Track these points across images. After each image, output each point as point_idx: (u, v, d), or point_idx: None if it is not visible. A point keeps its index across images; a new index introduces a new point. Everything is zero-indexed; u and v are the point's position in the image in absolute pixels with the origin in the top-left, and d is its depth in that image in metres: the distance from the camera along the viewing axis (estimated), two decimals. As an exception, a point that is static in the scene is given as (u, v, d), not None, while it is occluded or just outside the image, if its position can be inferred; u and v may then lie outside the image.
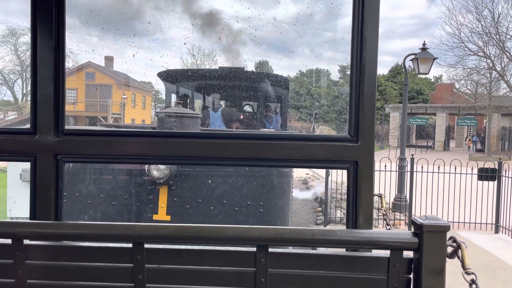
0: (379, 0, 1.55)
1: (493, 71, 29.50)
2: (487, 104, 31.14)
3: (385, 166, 9.41)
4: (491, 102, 30.90)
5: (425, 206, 9.64)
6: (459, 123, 38.57)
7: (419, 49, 11.26)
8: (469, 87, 35.10)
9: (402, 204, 10.46)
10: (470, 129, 46.66)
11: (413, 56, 11.32)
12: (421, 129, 41.41)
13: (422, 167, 9.42)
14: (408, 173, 9.92)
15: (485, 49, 29.01)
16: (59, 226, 1.47)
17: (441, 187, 9.44)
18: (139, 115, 44.54)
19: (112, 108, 38.34)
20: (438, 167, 9.41)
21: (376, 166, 8.94)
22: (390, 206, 10.78)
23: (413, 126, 40.88)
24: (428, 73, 11.39)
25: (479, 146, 37.77)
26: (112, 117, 37.56)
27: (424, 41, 11.56)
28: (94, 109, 39.64)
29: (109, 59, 44.31)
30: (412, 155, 9.87)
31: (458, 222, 9.41)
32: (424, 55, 11.09)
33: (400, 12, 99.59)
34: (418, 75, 11.34)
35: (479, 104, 33.01)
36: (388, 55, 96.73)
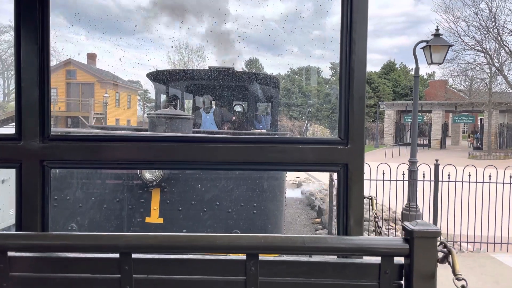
0: (367, 2, 1.60)
1: (492, 66, 29.84)
2: (487, 100, 31.20)
3: (403, 174, 8.31)
4: (491, 98, 31.05)
5: (453, 221, 8.09)
6: (456, 120, 38.89)
7: (432, 35, 9.98)
8: (464, 84, 35.49)
9: (413, 215, 9.18)
10: (465, 126, 47.18)
11: (424, 44, 9.93)
12: (416, 126, 41.81)
13: (449, 174, 8.00)
14: (421, 178, 8.49)
15: (482, 44, 29.41)
16: (44, 238, 1.49)
17: (466, 197, 7.95)
18: (124, 115, 44.23)
19: (95, 108, 38.07)
20: (469, 175, 7.81)
21: (390, 174, 7.89)
22: (400, 217, 9.85)
23: (408, 124, 41.32)
24: (442, 63, 10.18)
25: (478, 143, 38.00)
26: (94, 117, 37.23)
27: (438, 26, 10.27)
28: (76, 109, 39.33)
29: (91, 57, 43.92)
30: (437, 160, 8.37)
31: (494, 243, 7.85)
32: (437, 42, 9.67)
33: (388, 10, 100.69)
34: (430, 65, 10.45)
35: (478, 100, 33.20)
36: (377, 53, 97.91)
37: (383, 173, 8.01)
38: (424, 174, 8.21)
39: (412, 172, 8.99)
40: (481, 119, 39.59)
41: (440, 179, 8.27)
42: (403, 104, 41.12)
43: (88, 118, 36.85)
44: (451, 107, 38.52)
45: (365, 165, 7.12)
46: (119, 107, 43.48)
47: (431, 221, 8.01)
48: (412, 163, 9.14)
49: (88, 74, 41.40)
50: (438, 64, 10.08)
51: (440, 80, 45.18)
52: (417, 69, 10.17)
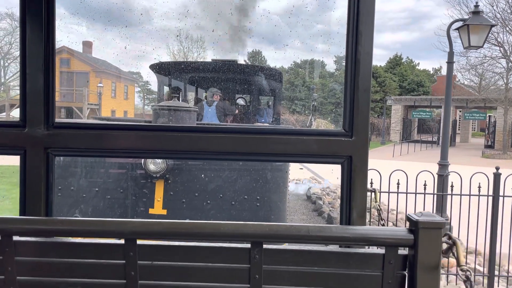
0: None
1: (508, 61, 29.62)
2: (503, 96, 30.88)
3: (452, 186, 6.59)
4: (508, 94, 30.67)
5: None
6: (467, 117, 38.76)
7: (470, 12, 8.51)
8: (474, 80, 35.34)
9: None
10: (474, 123, 47.06)
11: (460, 24, 8.37)
12: (423, 122, 41.91)
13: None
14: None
15: (498, 37, 29.23)
16: (49, 222, 1.55)
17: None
18: (121, 106, 44.25)
19: (89, 98, 38.15)
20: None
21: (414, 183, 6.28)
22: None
23: (416, 120, 41.44)
24: (482, 46, 8.69)
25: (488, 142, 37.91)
26: (88, 108, 37.28)
27: (477, 2, 8.84)
28: (69, 98, 39.38)
29: (87, 45, 43.84)
30: (497, 168, 6.49)
31: None
32: (477, 21, 8.03)
33: (390, 5, 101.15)
34: (467, 49, 8.94)
35: (492, 96, 32.99)
36: (380, 48, 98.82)
37: (425, 184, 6.42)
38: (479, 187, 6.25)
39: (442, 178, 7.61)
40: (489, 116, 39.58)
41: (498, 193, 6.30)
42: (411, 99, 41.19)
43: (81, 108, 36.90)
44: (462, 103, 38.52)
45: (401, 173, 6.18)
46: (115, 98, 43.54)
47: (487, 248, 6.60)
48: (442, 166, 7.87)
49: (83, 63, 41.37)
50: (477, 47, 8.56)
51: (449, 75, 45.02)
52: (451, 53, 8.60)
